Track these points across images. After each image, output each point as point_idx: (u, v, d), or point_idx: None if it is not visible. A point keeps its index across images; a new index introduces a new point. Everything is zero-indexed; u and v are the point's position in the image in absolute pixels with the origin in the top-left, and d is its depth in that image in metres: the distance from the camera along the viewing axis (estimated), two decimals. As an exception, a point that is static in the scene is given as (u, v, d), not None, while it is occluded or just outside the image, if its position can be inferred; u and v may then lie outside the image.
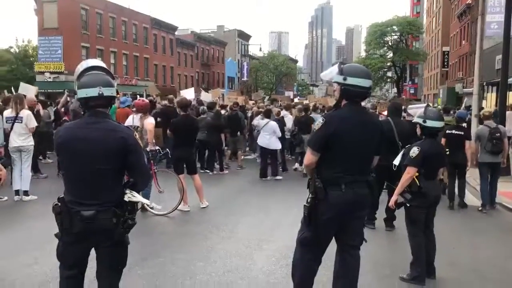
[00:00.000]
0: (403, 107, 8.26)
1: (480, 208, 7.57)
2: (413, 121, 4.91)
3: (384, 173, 5.44)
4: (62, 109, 11.46)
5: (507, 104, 11.15)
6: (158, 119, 9.83)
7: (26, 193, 7.61)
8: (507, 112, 10.70)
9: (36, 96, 11.67)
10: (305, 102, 17.32)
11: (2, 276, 4.33)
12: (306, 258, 3.40)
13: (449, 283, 4.50)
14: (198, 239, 5.67)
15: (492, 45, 22.69)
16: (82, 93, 2.81)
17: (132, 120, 7.03)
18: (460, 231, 6.54)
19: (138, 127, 6.75)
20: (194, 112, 11.30)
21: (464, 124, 8.26)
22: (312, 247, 3.37)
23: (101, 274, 2.90)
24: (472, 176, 8.96)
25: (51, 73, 35.30)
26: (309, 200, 3.26)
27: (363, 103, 3.55)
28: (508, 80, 12.40)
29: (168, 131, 7.47)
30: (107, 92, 2.83)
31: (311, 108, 12.91)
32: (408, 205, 4.36)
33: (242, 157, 12.48)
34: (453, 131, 7.55)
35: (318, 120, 3.35)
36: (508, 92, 13.16)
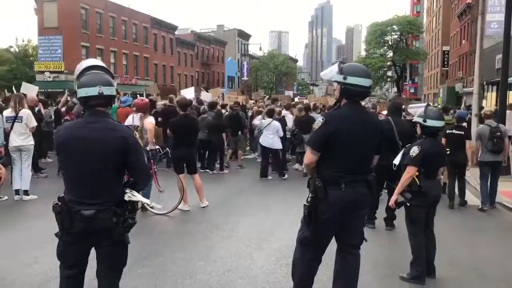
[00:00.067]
0: (403, 107, 8.26)
1: (480, 207, 7.58)
2: (413, 120, 4.91)
3: (384, 173, 5.44)
4: (63, 109, 11.44)
5: (507, 104, 11.14)
6: (159, 119, 9.85)
7: (26, 192, 7.61)
8: (507, 112, 10.70)
9: (36, 95, 11.67)
10: (305, 101, 17.28)
11: (2, 275, 4.34)
12: (306, 258, 3.40)
13: (449, 282, 4.50)
14: (198, 239, 5.67)
15: (492, 44, 22.67)
16: (82, 92, 2.81)
17: (132, 119, 7.01)
18: (460, 230, 6.54)
19: (138, 126, 6.74)
20: (195, 111, 11.28)
21: (464, 124, 8.26)
22: (312, 247, 3.37)
23: (101, 274, 2.90)
24: (473, 175, 8.96)
25: (51, 72, 35.27)
26: (309, 200, 3.26)
27: (363, 103, 3.55)
28: (508, 79, 12.39)
29: (168, 130, 7.47)
30: (107, 91, 2.83)
31: (311, 107, 12.88)
32: (408, 204, 4.36)
33: (243, 156, 12.47)
34: (454, 131, 7.58)
35: (318, 120, 3.34)
36: (508, 92, 13.14)
